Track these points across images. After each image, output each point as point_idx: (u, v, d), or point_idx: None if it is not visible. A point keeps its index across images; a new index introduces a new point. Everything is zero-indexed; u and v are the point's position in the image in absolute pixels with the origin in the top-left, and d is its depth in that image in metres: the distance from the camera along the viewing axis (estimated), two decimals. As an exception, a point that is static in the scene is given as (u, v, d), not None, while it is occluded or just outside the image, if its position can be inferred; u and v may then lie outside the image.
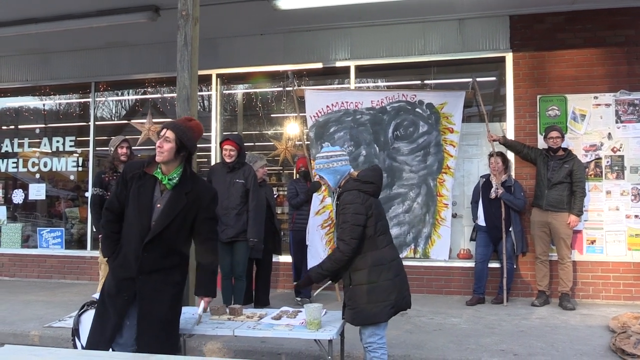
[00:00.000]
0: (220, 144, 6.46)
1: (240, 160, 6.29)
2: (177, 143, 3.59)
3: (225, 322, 4.24)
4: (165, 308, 3.61)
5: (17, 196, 9.80)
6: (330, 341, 3.90)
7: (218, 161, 8.25)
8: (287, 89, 8.34)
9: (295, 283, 4.14)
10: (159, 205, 3.61)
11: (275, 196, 7.79)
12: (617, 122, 7.27)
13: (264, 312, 4.51)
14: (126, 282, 3.58)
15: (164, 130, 3.63)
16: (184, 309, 4.71)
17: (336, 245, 3.84)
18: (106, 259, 3.83)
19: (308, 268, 7.07)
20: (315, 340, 3.96)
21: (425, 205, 7.48)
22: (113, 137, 6.70)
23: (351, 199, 3.86)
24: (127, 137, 6.74)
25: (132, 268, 3.56)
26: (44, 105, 10.06)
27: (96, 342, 3.58)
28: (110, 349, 3.55)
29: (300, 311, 4.42)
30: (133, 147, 8.49)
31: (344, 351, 4.53)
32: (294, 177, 7.78)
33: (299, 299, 6.91)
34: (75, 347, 5.13)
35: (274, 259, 7.18)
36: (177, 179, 3.64)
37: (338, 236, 3.85)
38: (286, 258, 7.57)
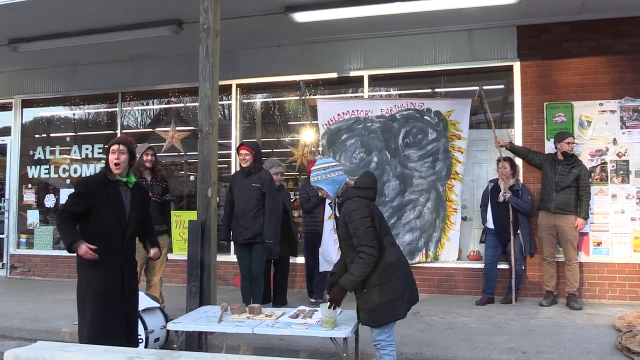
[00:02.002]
0: (237, 149, 6.51)
1: (257, 166, 6.31)
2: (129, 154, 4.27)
3: (244, 321, 4.28)
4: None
5: (49, 201, 9.92)
6: (345, 339, 3.91)
7: (238, 167, 8.33)
8: (300, 98, 8.37)
9: (328, 297, 4.04)
10: (128, 202, 4.27)
11: (292, 200, 7.80)
12: (622, 128, 7.21)
13: (282, 311, 4.54)
14: (116, 272, 4.19)
15: (120, 147, 4.23)
16: (205, 309, 4.78)
17: (361, 251, 3.79)
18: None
19: (320, 270, 7.10)
20: (330, 338, 3.97)
21: (435, 210, 7.47)
22: (139, 145, 6.74)
23: (355, 206, 3.87)
24: (152, 144, 6.80)
25: (119, 260, 4.19)
26: (73, 114, 10.18)
27: (110, 329, 4.10)
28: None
29: (316, 310, 4.44)
30: (159, 154, 8.61)
31: (358, 349, 4.55)
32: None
33: (312, 300, 6.91)
34: (103, 344, 5.18)
35: (290, 261, 7.21)
36: (134, 180, 4.35)
37: (357, 244, 3.81)
38: (302, 259, 7.58)
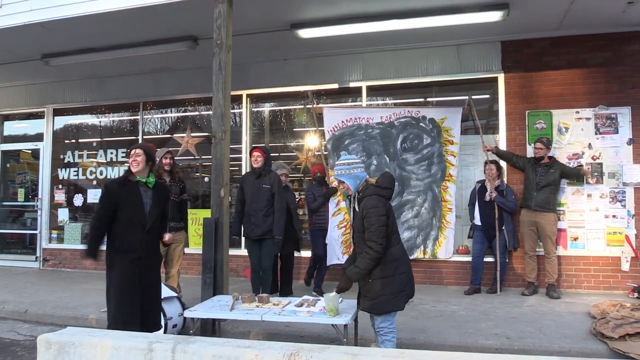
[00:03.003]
0: (250, 152, 6.52)
1: (267, 168, 6.33)
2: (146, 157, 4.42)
3: (254, 309, 4.29)
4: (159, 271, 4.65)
5: (78, 200, 9.93)
6: (345, 326, 3.93)
7: (248, 169, 8.34)
8: (307, 106, 8.37)
9: (336, 290, 4.07)
10: (148, 201, 4.40)
11: (297, 200, 7.79)
12: (596, 134, 7.19)
13: (288, 300, 4.55)
14: (135, 262, 4.31)
15: (136, 151, 4.41)
16: (219, 298, 4.78)
17: (369, 246, 3.81)
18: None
19: (327, 264, 7.11)
20: (332, 324, 3.98)
21: (432, 210, 7.46)
22: (158, 149, 6.75)
23: (373, 204, 3.87)
24: (170, 149, 6.81)
25: (137, 251, 4.31)
26: (100, 122, 10.19)
27: (133, 312, 4.28)
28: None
29: (320, 299, 4.45)
30: (175, 158, 8.64)
31: (357, 334, 4.55)
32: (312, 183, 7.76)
33: (313, 293, 6.83)
34: (126, 329, 5.19)
35: (295, 255, 7.22)
36: (154, 181, 4.48)
37: (368, 238, 3.83)
38: (306, 254, 7.58)
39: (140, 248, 4.33)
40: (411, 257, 7.18)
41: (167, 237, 4.72)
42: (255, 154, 6.32)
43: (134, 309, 4.30)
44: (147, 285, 4.41)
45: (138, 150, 4.39)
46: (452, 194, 7.43)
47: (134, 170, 4.37)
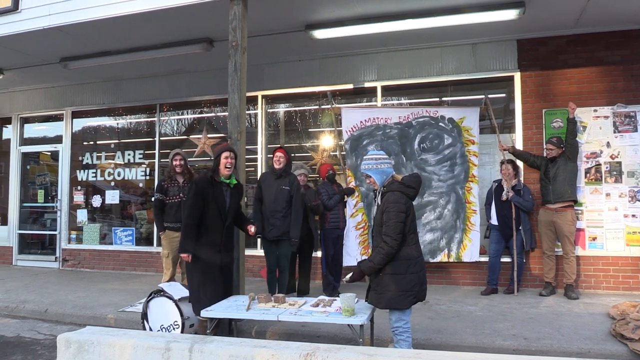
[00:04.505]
0: (273, 152, 6.52)
1: (287, 169, 6.34)
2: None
3: (270, 309, 4.30)
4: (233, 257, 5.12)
5: (96, 201, 10.04)
6: (361, 326, 3.92)
7: (264, 170, 8.37)
8: (324, 107, 8.36)
9: (347, 278, 4.11)
10: (228, 199, 4.83)
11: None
12: (614, 132, 7.09)
13: (304, 300, 4.55)
14: (217, 254, 4.84)
15: (231, 153, 4.86)
16: (235, 298, 4.81)
17: (384, 241, 3.84)
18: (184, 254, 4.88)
19: (344, 265, 7.08)
20: (348, 325, 3.98)
21: (456, 212, 7.31)
22: (171, 151, 6.80)
23: (395, 199, 3.89)
24: (180, 150, 6.83)
25: (219, 245, 4.83)
26: (117, 124, 10.29)
27: (215, 296, 4.74)
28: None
29: (335, 299, 4.45)
30: (192, 159, 8.71)
31: (373, 335, 4.54)
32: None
33: (326, 293, 6.79)
34: (144, 328, 5.25)
35: (312, 254, 7.20)
36: (235, 181, 4.85)
37: (384, 232, 3.85)
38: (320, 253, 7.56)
39: (220, 242, 4.85)
40: (435, 261, 7.20)
41: (252, 229, 5.12)
42: (278, 154, 6.33)
43: (215, 292, 4.79)
44: (227, 273, 5.01)
45: (232, 154, 4.77)
46: (475, 195, 7.29)
47: (227, 173, 4.76)
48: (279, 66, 8.64)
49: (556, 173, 6.77)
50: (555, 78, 7.37)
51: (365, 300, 4.11)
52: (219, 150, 4.92)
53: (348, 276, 4.08)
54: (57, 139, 10.52)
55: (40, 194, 10.62)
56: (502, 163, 7.11)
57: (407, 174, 7.00)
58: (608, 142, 7.10)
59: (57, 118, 10.55)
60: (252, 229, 5.14)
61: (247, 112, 8.34)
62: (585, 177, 7.09)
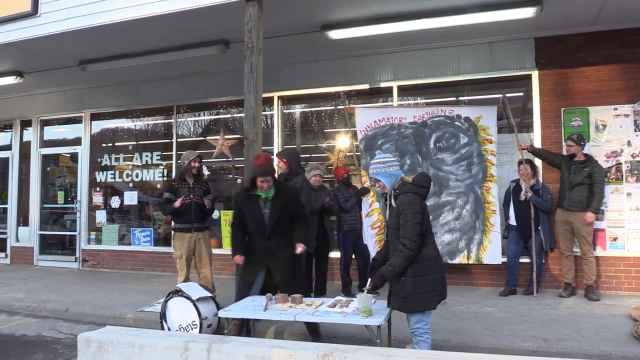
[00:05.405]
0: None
1: (292, 172, 6.27)
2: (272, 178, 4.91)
3: (287, 309, 4.30)
4: (289, 264, 5.04)
5: (115, 202, 10.15)
6: (379, 327, 3.90)
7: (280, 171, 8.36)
8: (339, 107, 8.36)
9: (367, 288, 4.06)
10: (266, 210, 4.93)
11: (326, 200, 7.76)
12: (635, 131, 6.97)
13: (321, 301, 4.54)
14: (260, 258, 5.00)
15: (265, 177, 4.84)
16: (252, 298, 4.82)
17: (402, 244, 3.80)
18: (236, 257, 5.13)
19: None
20: (365, 325, 3.96)
21: (475, 212, 7.16)
22: (185, 152, 6.80)
23: (410, 201, 3.86)
24: (199, 152, 6.87)
25: (261, 251, 4.98)
26: (135, 125, 10.40)
27: (243, 294, 4.97)
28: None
29: (353, 300, 4.43)
30: (210, 160, 8.73)
31: (391, 335, 4.52)
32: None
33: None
34: (162, 328, 5.30)
35: (329, 254, 7.18)
36: (272, 193, 4.90)
37: (402, 235, 3.81)
38: (339, 254, 7.54)
39: (263, 251, 4.97)
40: (454, 262, 7.11)
41: (299, 249, 5.01)
42: (278, 160, 6.36)
43: (247, 291, 4.99)
44: (280, 281, 4.98)
45: (268, 177, 4.83)
46: (494, 195, 7.14)
47: (264, 191, 4.86)
48: (295, 67, 8.65)
49: (577, 180, 6.62)
50: (573, 76, 7.27)
51: (388, 306, 4.08)
52: (254, 173, 4.87)
53: (368, 285, 4.03)
54: (76, 141, 10.66)
55: (60, 195, 10.77)
56: (520, 163, 7.02)
57: (424, 174, 6.97)
58: (629, 141, 6.99)
59: (76, 120, 10.69)
60: (298, 248, 5.01)
61: (263, 113, 8.36)
62: (606, 176, 6.97)
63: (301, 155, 8.69)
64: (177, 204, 6.31)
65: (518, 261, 6.97)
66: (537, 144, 7.33)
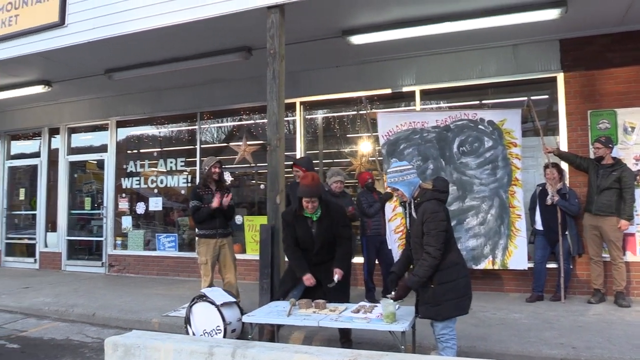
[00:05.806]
0: (291, 166, 6.55)
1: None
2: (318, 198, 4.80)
3: (311, 315, 4.28)
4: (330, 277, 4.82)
5: (140, 208, 10.29)
6: (403, 333, 3.86)
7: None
8: (361, 112, 8.34)
9: (390, 295, 4.05)
10: (314, 230, 4.87)
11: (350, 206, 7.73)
12: (666, 133, 6.82)
13: (345, 307, 4.51)
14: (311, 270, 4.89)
15: (311, 198, 4.76)
16: (276, 304, 4.82)
17: (426, 252, 3.76)
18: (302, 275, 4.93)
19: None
20: (390, 331, 3.93)
21: (500, 217, 7.06)
22: (206, 159, 6.84)
23: (434, 208, 3.82)
24: (219, 158, 6.90)
25: (311, 268, 4.87)
26: (159, 132, 10.53)
27: (282, 293, 5.02)
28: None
29: (376, 306, 4.40)
30: (232, 166, 8.76)
31: (415, 342, 4.48)
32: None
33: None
34: (187, 333, 5.33)
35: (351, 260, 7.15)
36: (319, 214, 4.83)
37: (426, 242, 3.78)
38: (362, 259, 7.51)
39: (313, 266, 4.89)
40: (479, 267, 7.03)
41: (336, 277, 4.78)
42: (295, 169, 6.36)
43: (290, 288, 4.99)
44: (330, 293, 4.81)
45: (314, 198, 4.77)
46: (520, 200, 7.03)
47: (310, 212, 4.80)
48: (317, 72, 8.68)
49: (605, 184, 6.48)
50: (600, 78, 7.14)
51: (417, 315, 4.04)
52: (300, 193, 4.80)
53: (392, 294, 4.01)
54: (103, 148, 10.85)
55: (87, 201, 10.97)
56: (546, 167, 6.91)
57: (446, 178, 6.91)
58: (659, 143, 6.83)
59: (102, 128, 10.89)
60: (336, 275, 4.77)
61: (286, 118, 8.37)
62: (635, 179, 6.81)
63: (324, 161, 8.67)
64: (216, 203, 6.30)
65: (545, 267, 6.85)
66: (563, 147, 7.21)
